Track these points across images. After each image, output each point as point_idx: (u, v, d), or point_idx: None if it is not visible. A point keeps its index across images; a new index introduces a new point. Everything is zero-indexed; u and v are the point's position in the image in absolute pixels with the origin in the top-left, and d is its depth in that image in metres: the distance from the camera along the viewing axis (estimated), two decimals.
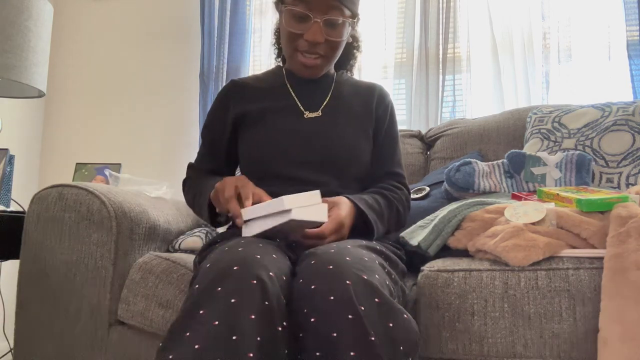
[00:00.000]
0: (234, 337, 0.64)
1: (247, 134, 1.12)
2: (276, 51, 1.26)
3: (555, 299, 0.88)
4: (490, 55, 1.99)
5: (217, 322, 0.65)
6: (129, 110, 2.45)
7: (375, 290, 0.70)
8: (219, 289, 0.68)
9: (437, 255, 1.07)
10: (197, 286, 0.71)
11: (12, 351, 1.19)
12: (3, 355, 2.04)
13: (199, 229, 1.42)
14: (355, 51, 1.24)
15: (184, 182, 1.18)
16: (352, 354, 0.65)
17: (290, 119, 1.11)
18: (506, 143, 1.61)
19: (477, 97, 2.00)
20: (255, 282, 0.68)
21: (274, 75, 1.20)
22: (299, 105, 1.13)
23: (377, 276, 0.73)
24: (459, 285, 0.93)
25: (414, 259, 1.11)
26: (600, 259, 0.88)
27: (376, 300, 0.69)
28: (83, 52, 2.54)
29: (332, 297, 0.68)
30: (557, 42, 1.92)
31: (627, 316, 0.80)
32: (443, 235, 1.07)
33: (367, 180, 1.13)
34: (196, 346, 0.64)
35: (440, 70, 2.01)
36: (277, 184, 1.05)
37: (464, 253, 1.04)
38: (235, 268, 0.70)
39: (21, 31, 1.57)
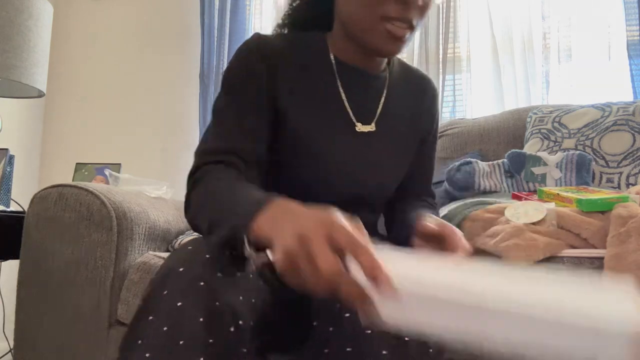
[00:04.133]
0: (182, 342, 0.61)
1: (282, 138, 0.85)
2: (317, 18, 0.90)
3: None
4: (490, 55, 1.99)
5: (165, 328, 0.62)
6: (129, 110, 2.45)
7: None
8: (165, 292, 0.65)
9: None
10: (147, 290, 0.68)
11: (12, 351, 1.19)
12: (3, 355, 2.04)
13: None
14: None
15: (193, 186, 0.78)
16: (384, 352, 0.63)
17: (337, 136, 0.86)
18: (506, 143, 1.61)
19: (477, 97, 2.00)
20: (202, 283, 0.65)
21: (318, 56, 0.88)
22: (350, 112, 0.88)
23: None
24: None
25: None
26: (600, 259, 0.88)
27: None
28: (83, 52, 2.54)
29: None
30: (557, 42, 1.92)
31: None
32: None
33: (393, 198, 0.97)
34: (147, 354, 0.62)
35: (440, 70, 2.01)
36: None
37: None
38: (180, 269, 0.66)
39: (21, 31, 1.57)
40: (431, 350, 0.66)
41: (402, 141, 0.93)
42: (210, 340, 0.63)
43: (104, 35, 2.53)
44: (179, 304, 0.64)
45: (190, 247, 0.71)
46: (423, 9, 0.80)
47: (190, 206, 0.77)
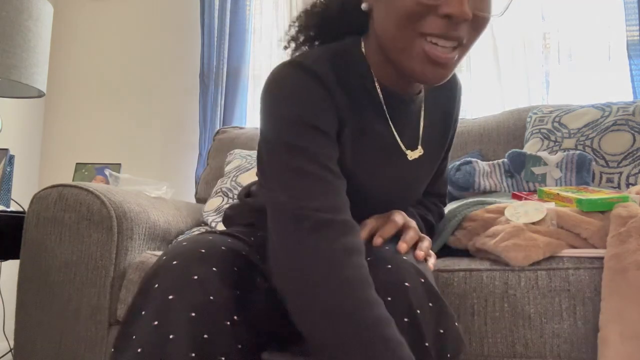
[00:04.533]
0: (171, 337, 0.61)
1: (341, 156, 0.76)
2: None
3: (555, 299, 0.88)
4: (490, 55, 1.99)
5: (156, 322, 0.62)
6: (129, 110, 2.45)
7: (431, 293, 0.67)
8: (156, 285, 0.65)
9: (437, 255, 1.07)
10: (139, 285, 0.68)
11: (12, 351, 1.19)
12: (3, 355, 2.04)
13: (199, 227, 1.42)
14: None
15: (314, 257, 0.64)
16: None
17: (391, 170, 0.82)
18: (506, 143, 1.61)
19: (477, 97, 2.00)
20: (195, 277, 0.64)
21: (364, 81, 0.78)
22: (400, 143, 0.81)
23: (430, 280, 0.70)
24: (459, 285, 0.93)
25: None
26: (601, 259, 0.88)
27: (430, 304, 0.66)
28: (83, 52, 2.54)
29: (390, 298, 0.64)
30: (557, 42, 1.92)
31: (627, 316, 0.80)
32: (443, 235, 1.07)
33: None
34: (139, 349, 0.62)
35: None
36: None
37: (464, 253, 1.04)
38: (174, 263, 0.66)
39: (21, 31, 1.57)
40: (449, 356, 0.66)
41: (438, 153, 0.91)
42: (205, 336, 0.62)
43: (104, 35, 2.53)
44: (170, 297, 0.63)
45: (185, 243, 0.70)
46: (477, 26, 0.68)
47: (305, 284, 0.62)
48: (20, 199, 1.79)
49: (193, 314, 0.62)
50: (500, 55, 1.97)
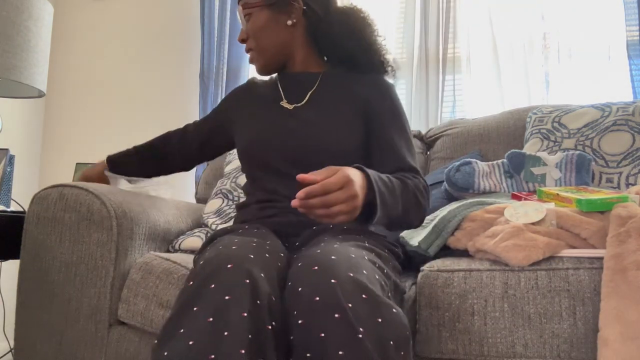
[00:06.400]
0: (226, 333, 0.65)
1: (240, 131, 1.17)
2: None
3: (555, 299, 0.88)
4: (490, 55, 1.99)
5: (211, 319, 0.66)
6: (129, 110, 2.45)
7: (362, 286, 0.70)
8: (213, 285, 0.70)
9: (437, 255, 1.07)
10: (191, 282, 0.72)
11: (12, 351, 1.19)
12: (3, 355, 2.04)
13: (199, 229, 1.42)
14: (355, 46, 1.12)
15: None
16: (340, 353, 0.64)
17: (272, 112, 1.13)
18: (506, 143, 1.61)
19: (477, 97, 2.00)
20: (248, 280, 0.70)
21: (271, 81, 1.24)
22: (283, 97, 1.15)
23: (364, 272, 0.73)
24: (459, 285, 0.93)
25: (414, 259, 1.11)
26: (600, 259, 0.88)
27: (363, 296, 0.69)
28: (83, 52, 2.54)
29: (317, 298, 0.68)
30: (557, 42, 1.92)
31: (626, 316, 0.80)
32: (443, 235, 1.07)
33: None
34: (190, 342, 0.65)
35: (440, 70, 2.01)
36: (267, 178, 1.07)
37: (464, 253, 1.04)
38: (229, 266, 0.71)
39: (21, 31, 1.57)
40: (392, 343, 0.68)
41: (333, 114, 1.08)
42: (250, 336, 0.66)
43: (104, 35, 2.53)
44: (227, 297, 0.68)
45: (235, 247, 0.76)
46: (252, 36, 1.12)
47: None
48: (20, 199, 1.79)
49: (245, 314, 0.67)
50: (500, 55, 1.97)
